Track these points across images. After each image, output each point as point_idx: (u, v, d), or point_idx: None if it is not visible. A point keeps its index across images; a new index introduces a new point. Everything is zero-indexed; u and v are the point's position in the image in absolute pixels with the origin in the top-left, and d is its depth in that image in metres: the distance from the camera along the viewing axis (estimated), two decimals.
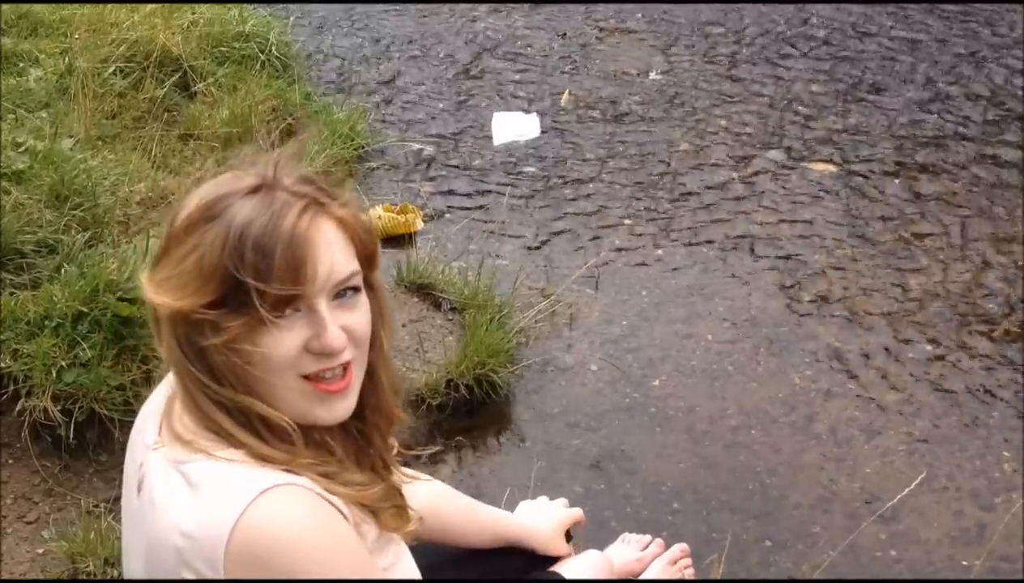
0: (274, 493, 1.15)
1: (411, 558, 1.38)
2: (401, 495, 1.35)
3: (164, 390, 1.31)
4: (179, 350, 1.20)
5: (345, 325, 1.21)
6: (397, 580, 1.33)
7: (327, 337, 1.19)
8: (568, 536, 1.91)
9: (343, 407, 1.24)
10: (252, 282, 1.14)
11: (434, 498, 1.61)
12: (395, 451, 1.40)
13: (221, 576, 1.13)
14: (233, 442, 1.20)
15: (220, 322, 1.16)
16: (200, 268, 1.16)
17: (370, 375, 1.28)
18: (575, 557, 1.88)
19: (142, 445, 1.28)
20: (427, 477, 1.64)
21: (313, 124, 3.63)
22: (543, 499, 1.95)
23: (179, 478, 1.19)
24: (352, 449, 1.29)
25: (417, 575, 1.38)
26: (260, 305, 1.15)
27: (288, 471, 1.19)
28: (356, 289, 1.23)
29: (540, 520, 1.86)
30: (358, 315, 1.23)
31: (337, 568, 1.17)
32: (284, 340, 1.18)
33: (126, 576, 1.34)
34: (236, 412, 1.20)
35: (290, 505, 1.16)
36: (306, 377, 1.21)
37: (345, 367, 1.23)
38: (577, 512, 1.93)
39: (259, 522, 1.13)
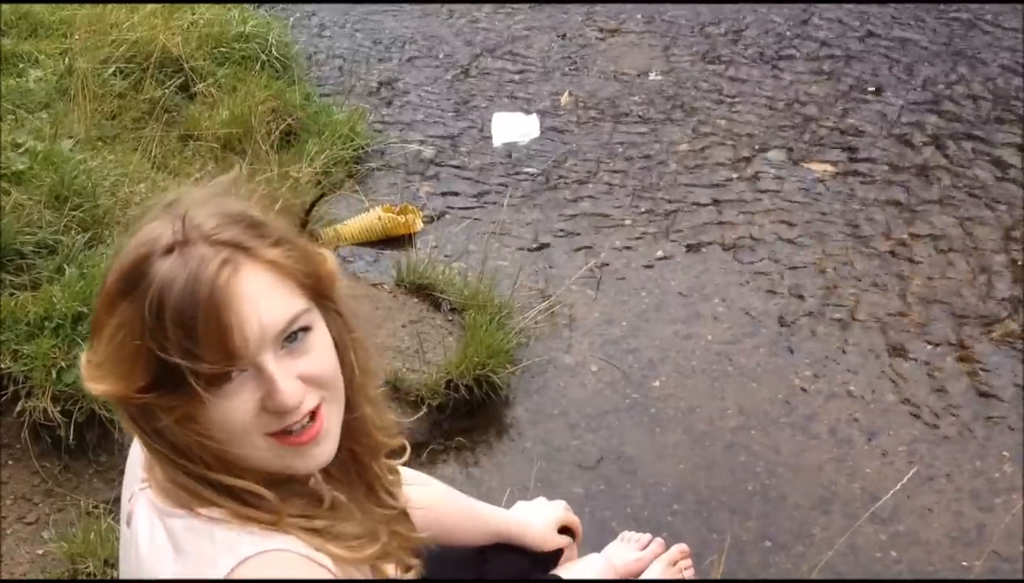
0: (255, 562, 1.10)
1: None
2: (408, 523, 1.30)
3: None
4: (139, 431, 1.13)
5: (302, 373, 1.11)
6: None
7: (279, 397, 1.09)
8: (574, 535, 1.91)
9: (320, 453, 1.15)
10: (181, 362, 1.05)
11: (430, 500, 1.60)
12: (404, 458, 1.35)
13: None
14: (213, 502, 1.14)
15: (163, 404, 1.08)
16: (126, 351, 1.07)
17: (347, 408, 1.20)
18: (577, 561, 1.88)
19: (133, 475, 1.24)
20: (426, 480, 1.64)
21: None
22: (540, 500, 1.95)
23: (162, 532, 1.14)
24: (349, 477, 1.24)
25: None
26: (196, 384, 1.06)
27: (273, 529, 1.13)
28: (306, 329, 1.12)
29: (534, 516, 1.86)
30: (314, 357, 1.13)
31: None
32: (236, 408, 1.09)
33: None
34: (213, 482, 1.13)
35: (270, 575, 1.10)
36: (272, 434, 1.12)
37: (313, 413, 1.13)
38: (573, 518, 1.92)
39: None
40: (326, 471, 1.22)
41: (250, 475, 1.13)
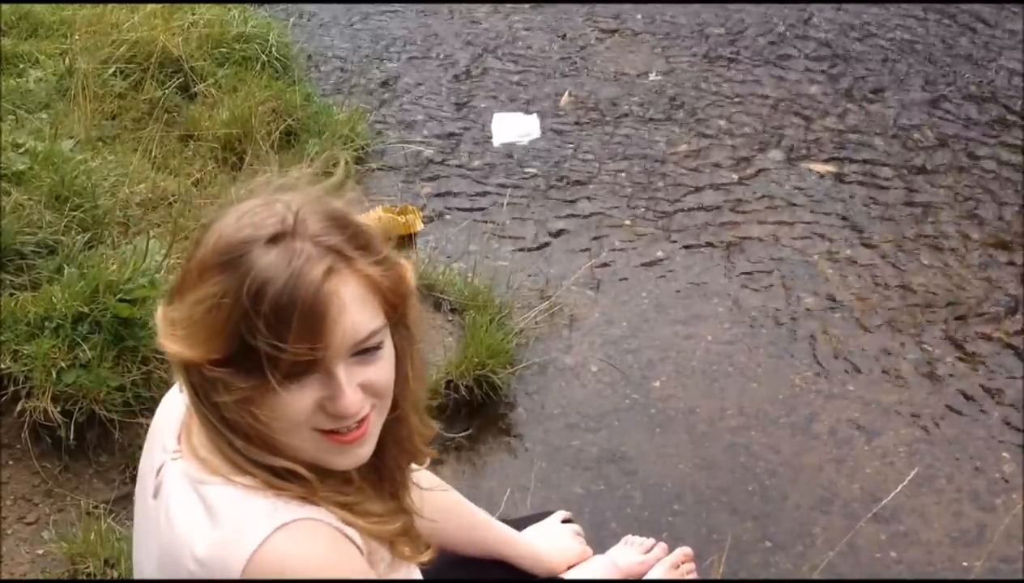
0: (290, 529, 1.13)
1: (420, 577, 1.37)
2: (414, 526, 1.32)
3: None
4: (193, 395, 1.17)
5: (364, 381, 1.16)
6: None
7: (342, 402, 1.14)
8: None
9: (360, 454, 1.20)
10: (264, 349, 1.09)
11: (441, 510, 1.57)
12: (423, 467, 1.38)
13: None
14: (249, 472, 1.18)
15: (229, 382, 1.12)
16: (211, 321, 1.10)
17: (395, 413, 1.24)
18: (580, 564, 1.88)
19: (161, 447, 1.26)
20: (442, 486, 1.62)
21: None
22: (569, 530, 1.91)
23: (196, 499, 1.17)
24: (369, 479, 1.27)
25: None
26: (272, 373, 1.10)
27: (306, 500, 1.17)
28: (379, 344, 1.17)
29: (548, 545, 1.83)
30: (379, 369, 1.17)
31: None
32: (297, 402, 1.13)
33: (135, 572, 1.34)
34: (253, 457, 1.17)
35: (305, 543, 1.14)
36: (320, 431, 1.17)
37: (362, 419, 1.18)
38: (588, 551, 1.90)
39: (273, 559, 1.12)
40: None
41: (287, 459, 1.18)
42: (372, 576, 1.20)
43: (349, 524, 1.19)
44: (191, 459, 1.20)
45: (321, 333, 1.10)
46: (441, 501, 1.59)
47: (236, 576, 1.11)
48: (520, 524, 1.87)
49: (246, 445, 1.16)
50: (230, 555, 1.12)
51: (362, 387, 1.16)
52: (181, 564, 1.15)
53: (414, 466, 1.38)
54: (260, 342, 1.08)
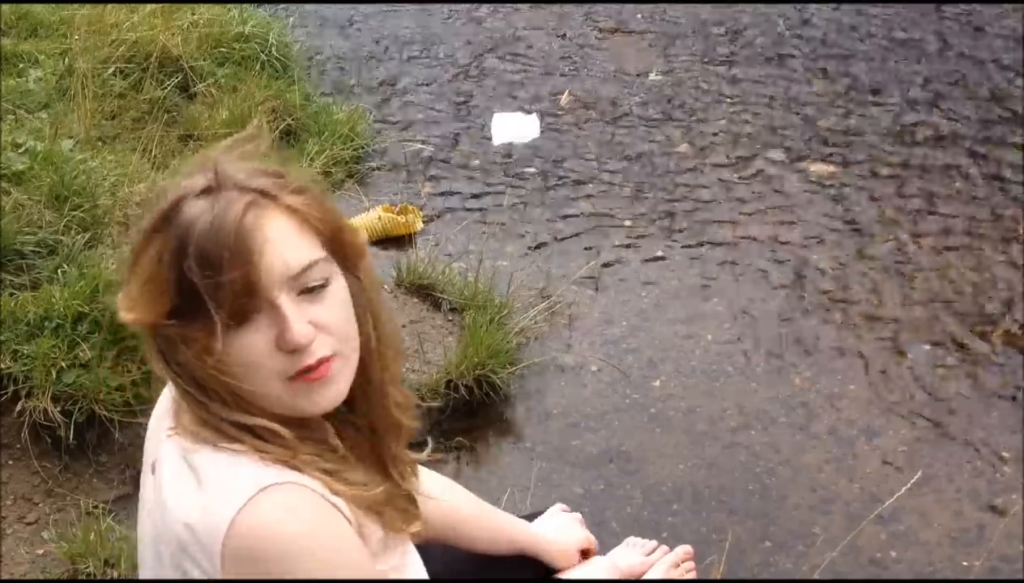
0: (274, 491, 1.15)
1: (419, 559, 1.36)
2: (410, 499, 1.33)
3: None
4: (164, 364, 1.20)
5: (314, 319, 1.17)
6: (398, 580, 1.32)
7: (291, 333, 1.15)
8: (584, 554, 1.90)
9: (327, 395, 1.21)
10: (201, 284, 1.13)
11: (448, 500, 1.58)
12: (426, 454, 1.39)
13: (218, 568, 1.13)
14: (235, 437, 1.19)
15: (184, 332, 1.15)
16: (155, 276, 1.16)
17: (365, 376, 1.25)
18: (581, 565, 1.88)
19: (160, 428, 1.29)
20: (446, 482, 1.62)
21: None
22: (568, 519, 1.93)
23: (186, 468, 1.19)
24: (356, 450, 1.28)
25: (424, 576, 1.37)
26: (216, 311, 1.13)
27: (291, 467, 1.18)
28: (324, 279, 1.19)
29: (558, 533, 1.85)
30: (329, 307, 1.19)
31: (334, 570, 1.16)
32: (253, 343, 1.15)
33: (139, 561, 1.34)
34: (233, 421, 1.19)
35: (289, 504, 1.15)
36: (288, 378, 1.18)
37: (322, 360, 1.18)
38: (592, 540, 1.91)
39: (256, 520, 1.13)
40: (343, 439, 1.28)
41: (264, 416, 1.20)
42: (357, 540, 1.20)
43: (335, 493, 1.19)
44: (183, 434, 1.22)
45: (251, 263, 1.13)
46: (446, 491, 1.60)
47: (220, 538, 1.12)
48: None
49: (220, 407, 1.18)
50: (215, 517, 1.13)
51: (314, 324, 1.17)
52: (173, 533, 1.17)
53: (415, 458, 1.38)
54: (195, 279, 1.12)
